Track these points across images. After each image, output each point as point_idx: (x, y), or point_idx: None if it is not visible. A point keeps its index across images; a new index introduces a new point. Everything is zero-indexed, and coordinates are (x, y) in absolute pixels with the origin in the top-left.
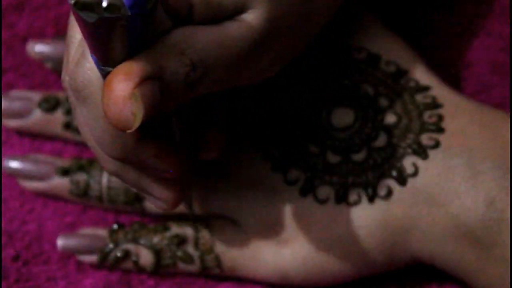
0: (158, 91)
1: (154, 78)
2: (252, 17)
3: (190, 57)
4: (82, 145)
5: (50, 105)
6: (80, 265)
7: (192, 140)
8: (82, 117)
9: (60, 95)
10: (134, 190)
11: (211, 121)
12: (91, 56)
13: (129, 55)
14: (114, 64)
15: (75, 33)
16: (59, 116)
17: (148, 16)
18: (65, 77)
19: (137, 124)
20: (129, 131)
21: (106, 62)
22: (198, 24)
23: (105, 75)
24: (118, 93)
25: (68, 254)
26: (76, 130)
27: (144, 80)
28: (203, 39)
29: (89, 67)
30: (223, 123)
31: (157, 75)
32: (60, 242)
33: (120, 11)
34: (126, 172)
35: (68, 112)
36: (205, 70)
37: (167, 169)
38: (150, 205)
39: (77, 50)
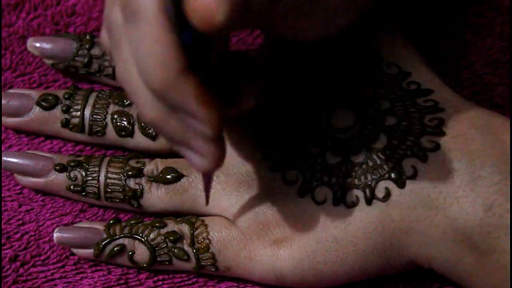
0: None
1: None
2: None
3: None
4: (81, 144)
5: (48, 103)
6: (78, 265)
7: (226, 92)
8: (128, 45)
9: (59, 93)
10: (174, 143)
11: (254, 76)
12: None
13: None
14: None
15: None
16: (57, 114)
17: None
18: (111, 11)
19: (222, 18)
20: (214, 26)
21: None
22: None
23: None
24: None
25: (67, 255)
26: (75, 129)
27: None
28: None
29: None
30: (259, 77)
31: None
32: (57, 234)
33: None
34: (169, 119)
35: (67, 110)
36: None
37: (206, 118)
38: (148, 203)
39: None
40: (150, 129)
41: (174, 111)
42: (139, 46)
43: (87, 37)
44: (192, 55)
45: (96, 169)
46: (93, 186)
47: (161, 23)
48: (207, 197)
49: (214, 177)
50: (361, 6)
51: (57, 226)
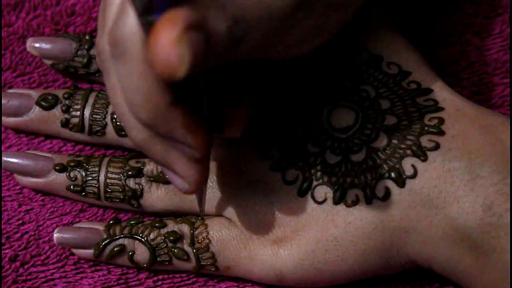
0: (203, 41)
1: (198, 27)
2: None
3: (231, 11)
4: (80, 144)
5: (48, 103)
6: (78, 265)
7: (214, 118)
8: (116, 76)
9: (59, 93)
10: (159, 165)
11: (235, 98)
12: (133, 8)
13: (171, 5)
14: (158, 12)
15: None
16: (57, 113)
17: None
18: (100, 40)
19: (184, 69)
20: (176, 77)
21: (149, 10)
22: None
23: (147, 25)
24: (165, 38)
25: (67, 255)
26: (75, 129)
27: (190, 27)
28: None
29: (130, 21)
30: (247, 101)
31: (201, 25)
32: (57, 235)
33: None
34: (153, 143)
35: (67, 110)
36: (247, 27)
37: (194, 145)
38: (148, 203)
39: (117, 9)
40: None
41: (159, 136)
42: (126, 82)
43: (87, 37)
44: (178, 85)
45: (96, 169)
46: (93, 186)
47: (146, 62)
48: (202, 211)
49: (214, 177)
50: (334, 28)
51: (56, 226)
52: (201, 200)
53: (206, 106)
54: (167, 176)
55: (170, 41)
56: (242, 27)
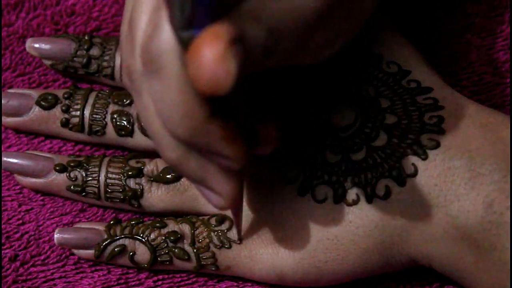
0: (242, 52)
1: (239, 41)
2: None
3: (267, 23)
4: (80, 144)
5: (48, 103)
6: (78, 265)
7: (248, 133)
8: (149, 95)
9: (59, 92)
10: (193, 183)
11: (267, 114)
12: (170, 22)
13: (210, 19)
14: (198, 27)
15: (140, 15)
16: (57, 113)
17: None
18: (131, 60)
19: (230, 84)
20: (222, 93)
21: (189, 25)
22: None
23: (185, 40)
24: (211, 53)
25: (67, 254)
26: (75, 129)
27: (233, 41)
28: (276, 6)
29: (165, 36)
30: (277, 118)
31: (241, 38)
32: (57, 235)
33: None
34: (188, 160)
35: (67, 110)
36: (279, 37)
37: (233, 156)
38: (148, 203)
39: (149, 24)
40: None
41: (194, 153)
42: (162, 98)
43: (86, 38)
44: (215, 98)
45: (96, 169)
46: (93, 186)
47: (184, 76)
48: (239, 232)
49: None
50: (354, 31)
51: (57, 226)
52: (238, 217)
53: (241, 120)
54: (202, 194)
55: (216, 56)
56: (276, 37)
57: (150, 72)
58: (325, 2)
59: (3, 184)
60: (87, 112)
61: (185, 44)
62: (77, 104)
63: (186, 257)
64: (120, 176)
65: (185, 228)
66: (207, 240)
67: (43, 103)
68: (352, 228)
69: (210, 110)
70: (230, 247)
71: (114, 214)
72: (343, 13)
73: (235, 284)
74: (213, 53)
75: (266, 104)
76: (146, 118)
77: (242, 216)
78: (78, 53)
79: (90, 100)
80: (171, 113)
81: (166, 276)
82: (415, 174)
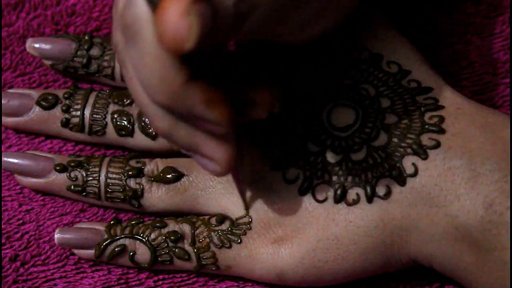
0: (210, 13)
1: (206, 1)
2: None
3: None
4: (81, 144)
5: (48, 103)
6: (78, 265)
7: (237, 98)
8: (130, 61)
9: (59, 92)
10: (187, 152)
11: (258, 79)
12: None
13: None
14: None
15: None
16: (57, 113)
17: None
18: (114, 33)
19: (192, 41)
20: (184, 50)
21: None
22: None
23: (154, 2)
24: (173, 11)
25: (67, 254)
26: (75, 129)
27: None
28: None
29: (138, 3)
30: (270, 82)
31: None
32: (58, 235)
33: None
34: (177, 129)
35: (67, 110)
36: (253, 3)
37: (217, 119)
38: (148, 203)
39: None
40: (150, 129)
41: (182, 120)
42: (140, 65)
43: (86, 38)
44: (193, 61)
45: (97, 169)
46: (93, 186)
47: (157, 39)
48: (244, 201)
49: (214, 177)
50: (337, 13)
51: (57, 226)
52: (240, 188)
53: (227, 83)
54: (198, 164)
55: (178, 13)
56: (249, 3)
57: (127, 41)
58: None
59: (3, 184)
60: (87, 112)
61: (154, 5)
62: (77, 104)
63: (187, 257)
64: (120, 176)
65: (186, 228)
66: (208, 240)
67: (43, 103)
68: (353, 228)
69: (188, 73)
70: (230, 247)
71: (114, 214)
72: None
73: (236, 284)
74: (176, 9)
75: (258, 70)
76: (133, 89)
77: (242, 186)
78: (78, 53)
79: (91, 100)
80: (149, 79)
81: (166, 276)
82: (415, 174)
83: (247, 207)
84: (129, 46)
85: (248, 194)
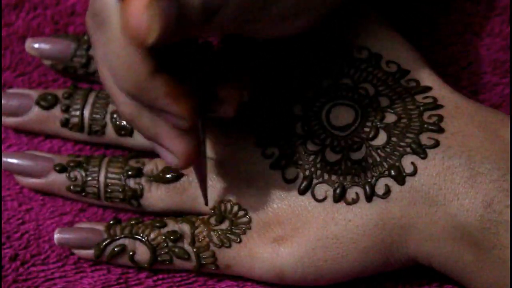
0: (175, 8)
1: None
2: None
3: None
4: (80, 144)
5: (48, 103)
6: (78, 265)
7: (206, 94)
8: (99, 47)
9: (59, 92)
10: (148, 140)
11: (227, 76)
12: None
13: None
14: None
15: None
16: (57, 113)
17: None
18: (87, 18)
19: (154, 36)
20: (146, 44)
21: None
22: None
23: None
24: (136, 4)
25: (67, 254)
26: (74, 128)
27: None
28: None
29: None
30: (243, 80)
31: None
32: (57, 235)
33: None
34: (141, 116)
35: (66, 109)
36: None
37: (179, 113)
38: (148, 203)
39: None
40: None
41: (145, 108)
42: (107, 52)
43: (85, 38)
44: (160, 53)
45: (96, 169)
46: (93, 186)
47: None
48: (205, 196)
49: (214, 176)
50: (318, 9)
51: (57, 226)
52: (201, 181)
53: (195, 80)
54: (159, 154)
55: (142, 6)
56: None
57: (96, 27)
58: None
59: (3, 183)
60: (86, 112)
61: None
62: (76, 104)
63: (186, 257)
64: (120, 176)
65: (185, 228)
66: (207, 239)
67: (42, 103)
68: (352, 227)
69: (154, 65)
70: (230, 246)
71: (114, 214)
72: None
73: (235, 283)
74: (138, 3)
75: (231, 66)
76: (101, 73)
77: (207, 180)
78: (77, 53)
79: (90, 100)
80: (115, 66)
81: (166, 276)
82: (414, 173)
83: (206, 202)
84: (98, 32)
85: (248, 193)
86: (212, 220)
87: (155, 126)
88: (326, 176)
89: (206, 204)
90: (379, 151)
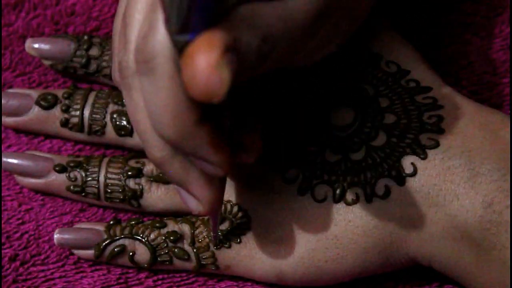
0: (236, 61)
1: (233, 48)
2: None
3: (260, 30)
4: (80, 144)
5: (48, 103)
6: (78, 265)
7: (233, 141)
8: (141, 93)
9: (58, 92)
10: (174, 184)
11: (252, 122)
12: (165, 25)
13: (206, 25)
14: (193, 32)
15: (134, 13)
16: (57, 113)
17: None
18: (122, 57)
19: (223, 93)
20: (215, 101)
21: (184, 29)
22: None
23: (180, 45)
24: (204, 61)
25: (67, 254)
26: (74, 128)
27: (227, 49)
28: (269, 13)
29: (160, 38)
30: (260, 128)
31: (235, 45)
32: (57, 236)
33: None
34: (172, 161)
35: (66, 109)
36: (273, 42)
37: (218, 162)
38: (148, 203)
39: (143, 25)
40: None
41: (179, 154)
42: (153, 99)
43: (85, 38)
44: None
45: (96, 169)
46: (92, 186)
47: (176, 79)
48: (214, 238)
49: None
50: (346, 33)
51: (56, 226)
52: (215, 226)
53: (228, 126)
54: (181, 197)
55: (210, 64)
56: (270, 43)
57: (142, 72)
58: (318, 5)
59: (3, 183)
60: (86, 112)
61: (179, 48)
62: (76, 104)
63: (186, 257)
64: (119, 176)
65: (185, 228)
66: (207, 239)
67: (42, 103)
68: (352, 228)
69: (200, 114)
70: (229, 246)
71: (114, 214)
72: (336, 16)
73: (235, 283)
74: (207, 60)
75: (253, 110)
76: (134, 116)
77: (219, 222)
78: (77, 53)
79: (90, 100)
80: (161, 114)
81: (166, 276)
82: (414, 173)
83: (216, 243)
84: (143, 77)
85: (248, 194)
86: None
87: (185, 172)
88: (326, 177)
89: (215, 246)
90: (379, 151)
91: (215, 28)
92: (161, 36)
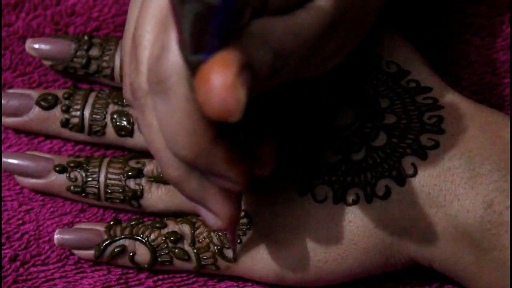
0: (251, 79)
1: (248, 67)
2: (321, 1)
3: (272, 47)
4: (80, 144)
5: (48, 103)
6: (78, 265)
7: (249, 155)
8: (154, 113)
9: (59, 93)
10: (192, 201)
11: (265, 134)
12: (179, 46)
13: (220, 45)
14: (207, 52)
15: (145, 33)
16: (57, 113)
17: (238, 5)
18: (135, 78)
19: (239, 112)
20: (232, 120)
21: (199, 49)
22: (271, 15)
23: (194, 65)
24: (220, 81)
25: (67, 254)
26: (74, 129)
27: (242, 69)
28: (280, 28)
29: (173, 58)
30: (274, 138)
31: (249, 63)
32: (57, 236)
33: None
34: (189, 180)
35: (67, 110)
36: (285, 57)
37: (235, 178)
38: (148, 204)
39: (155, 45)
40: None
41: (195, 172)
42: (168, 119)
43: (85, 38)
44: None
45: (96, 170)
46: (93, 187)
47: (191, 99)
48: (234, 251)
49: None
50: (356, 42)
51: (57, 226)
52: (234, 239)
53: (243, 142)
54: (199, 213)
55: (226, 84)
56: (282, 58)
57: (156, 93)
58: (328, 18)
59: (3, 184)
60: (87, 112)
61: (193, 68)
62: (77, 104)
63: (186, 257)
64: (120, 177)
65: (185, 228)
66: (207, 240)
67: (43, 103)
68: (352, 228)
69: (215, 132)
70: (230, 247)
71: (114, 215)
72: (345, 27)
73: (235, 284)
74: (223, 80)
75: (265, 124)
76: (149, 135)
77: (237, 235)
78: (77, 53)
79: (90, 100)
80: (176, 134)
81: (166, 276)
82: (414, 174)
83: (235, 257)
84: (156, 97)
85: (248, 194)
86: None
87: (203, 189)
88: (326, 177)
89: (235, 259)
90: (379, 152)
91: (229, 47)
92: (174, 57)
